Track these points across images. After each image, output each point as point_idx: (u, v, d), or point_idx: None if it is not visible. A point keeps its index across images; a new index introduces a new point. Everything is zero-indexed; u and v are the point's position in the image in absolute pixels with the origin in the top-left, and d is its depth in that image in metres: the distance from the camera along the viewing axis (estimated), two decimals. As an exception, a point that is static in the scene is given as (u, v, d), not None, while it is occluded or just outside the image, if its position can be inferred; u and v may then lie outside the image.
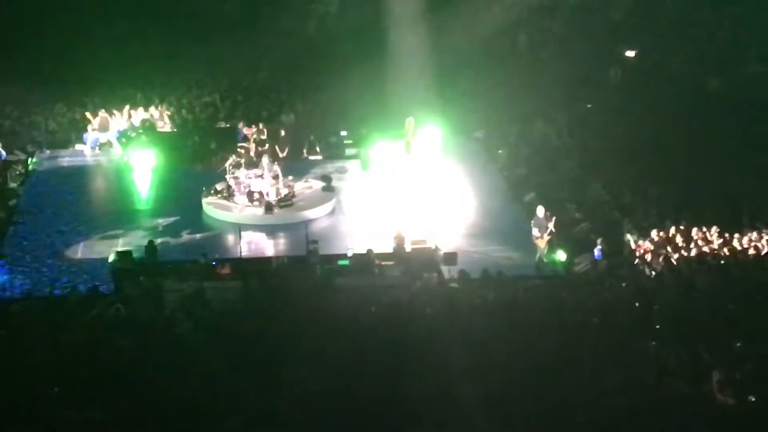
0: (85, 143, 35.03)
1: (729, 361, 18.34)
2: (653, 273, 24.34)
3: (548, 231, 26.16)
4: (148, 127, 35.41)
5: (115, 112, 35.73)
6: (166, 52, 40.46)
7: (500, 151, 33.61)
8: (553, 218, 26.40)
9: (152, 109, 36.31)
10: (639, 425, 16.39)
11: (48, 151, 34.80)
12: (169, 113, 36.28)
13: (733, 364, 18.24)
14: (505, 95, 38.07)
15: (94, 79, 38.29)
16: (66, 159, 34.38)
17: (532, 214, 27.33)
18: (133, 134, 34.97)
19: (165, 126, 35.88)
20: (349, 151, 34.60)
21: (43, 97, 37.12)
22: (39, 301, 23.10)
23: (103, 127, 34.94)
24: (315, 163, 33.85)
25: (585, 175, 30.93)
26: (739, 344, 18.86)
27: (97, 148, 34.86)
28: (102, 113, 35.19)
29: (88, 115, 35.32)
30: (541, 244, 26.21)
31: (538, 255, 26.20)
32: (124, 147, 34.47)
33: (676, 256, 24.79)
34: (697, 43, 37.82)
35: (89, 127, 35.03)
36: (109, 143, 34.94)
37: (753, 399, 16.89)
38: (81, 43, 40.36)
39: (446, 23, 41.30)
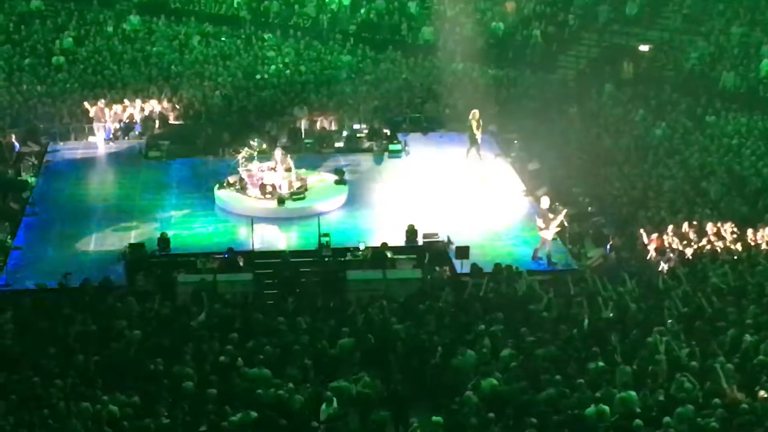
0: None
1: (740, 357, 18.34)
2: (666, 268, 24.26)
3: (555, 223, 26.02)
4: (162, 119, 35.48)
5: (127, 102, 35.85)
6: (179, 44, 40.53)
7: (514, 144, 33.53)
8: (564, 211, 26.28)
9: (165, 101, 36.35)
10: (650, 419, 16.41)
11: (62, 143, 34.83)
12: (179, 105, 36.32)
13: (745, 359, 18.24)
14: (519, 88, 38.05)
15: (108, 70, 38.34)
16: (79, 151, 34.41)
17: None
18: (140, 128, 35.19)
19: (177, 118, 35.95)
20: (363, 144, 34.57)
21: (57, 89, 37.13)
22: (52, 292, 23.18)
23: (98, 118, 34.93)
24: (328, 156, 33.82)
25: (598, 169, 30.86)
26: (750, 339, 18.84)
27: (110, 140, 34.90)
28: (101, 103, 35.17)
29: (86, 105, 35.35)
30: (548, 236, 26.05)
31: (547, 249, 26.04)
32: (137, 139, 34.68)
33: (689, 251, 24.73)
34: (711, 37, 37.68)
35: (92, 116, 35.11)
36: (98, 135, 34.90)
37: (765, 395, 16.88)
38: (94, 34, 40.47)
39: (460, 16, 41.31)
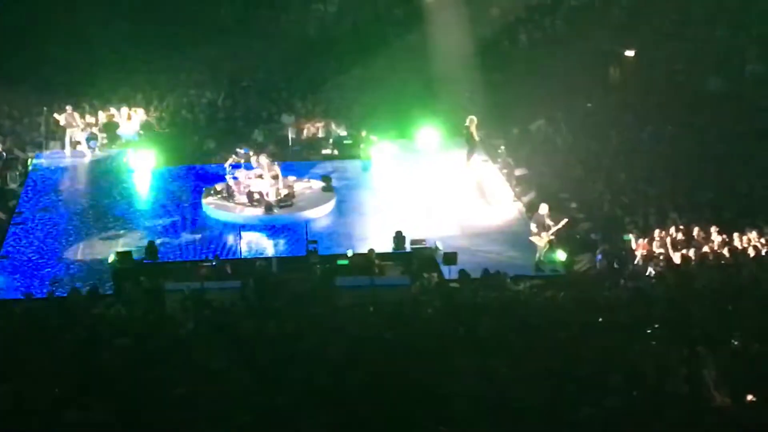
0: (87, 144, 34.98)
1: (727, 361, 18.38)
2: (653, 272, 24.33)
3: (550, 231, 26.06)
4: (147, 127, 35.46)
5: (113, 110, 35.82)
6: (166, 52, 40.48)
7: (500, 150, 33.58)
8: (564, 220, 26.28)
9: (151, 109, 36.30)
10: (639, 425, 16.42)
11: (47, 152, 34.78)
12: (165, 113, 36.30)
13: (732, 364, 18.28)
14: (505, 94, 38.10)
15: (93, 79, 38.26)
16: (65, 159, 34.34)
17: (532, 213, 27.39)
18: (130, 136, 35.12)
19: (163, 126, 35.94)
20: (351, 150, 34.65)
21: (42, 98, 37.02)
22: (39, 301, 23.11)
23: (69, 125, 34.79)
24: (315, 162, 33.87)
25: (585, 174, 30.93)
26: (737, 343, 18.88)
27: (96, 148, 34.77)
28: (69, 110, 35.02)
29: (55, 115, 35.15)
30: (540, 242, 26.11)
31: (537, 254, 26.12)
32: (124, 148, 34.60)
33: (676, 255, 24.80)
34: (697, 42, 37.82)
35: (59, 127, 35.03)
36: (84, 145, 34.81)
37: (752, 399, 16.91)
38: (80, 43, 40.39)
39: (446, 22, 41.33)
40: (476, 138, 32.80)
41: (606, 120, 35.14)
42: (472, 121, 32.81)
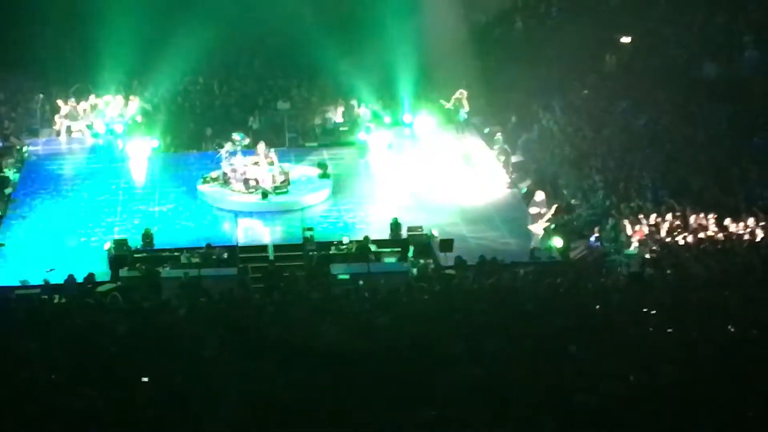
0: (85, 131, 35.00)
1: (724, 348, 18.41)
2: (649, 258, 24.34)
3: (545, 217, 26.12)
4: (143, 113, 35.43)
5: (110, 97, 35.78)
6: (162, 38, 40.31)
7: (497, 137, 33.59)
8: (555, 206, 26.35)
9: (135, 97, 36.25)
10: (635, 411, 16.45)
11: (43, 139, 34.76)
12: (152, 101, 36.30)
13: (728, 350, 18.31)
14: (502, 81, 38.06)
15: (89, 65, 38.14)
16: (62, 146, 34.33)
17: (529, 200, 27.40)
18: (129, 121, 35.06)
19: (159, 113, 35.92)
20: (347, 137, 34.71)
21: (37, 85, 36.98)
22: (35, 289, 23.12)
23: (72, 116, 34.90)
24: (311, 149, 33.87)
25: (581, 161, 30.92)
26: (732, 330, 18.90)
27: (91, 135, 34.78)
28: (71, 102, 35.15)
29: (59, 102, 35.24)
30: (538, 230, 26.17)
31: (532, 242, 26.17)
32: (120, 135, 34.56)
33: (672, 241, 24.82)
34: (693, 28, 37.72)
35: (58, 116, 35.04)
36: (80, 132, 34.89)
37: (748, 385, 16.92)
38: (75, 30, 40.25)
39: (442, 8, 41.25)
40: (467, 109, 33.19)
41: (602, 106, 35.09)
42: (462, 94, 33.07)
